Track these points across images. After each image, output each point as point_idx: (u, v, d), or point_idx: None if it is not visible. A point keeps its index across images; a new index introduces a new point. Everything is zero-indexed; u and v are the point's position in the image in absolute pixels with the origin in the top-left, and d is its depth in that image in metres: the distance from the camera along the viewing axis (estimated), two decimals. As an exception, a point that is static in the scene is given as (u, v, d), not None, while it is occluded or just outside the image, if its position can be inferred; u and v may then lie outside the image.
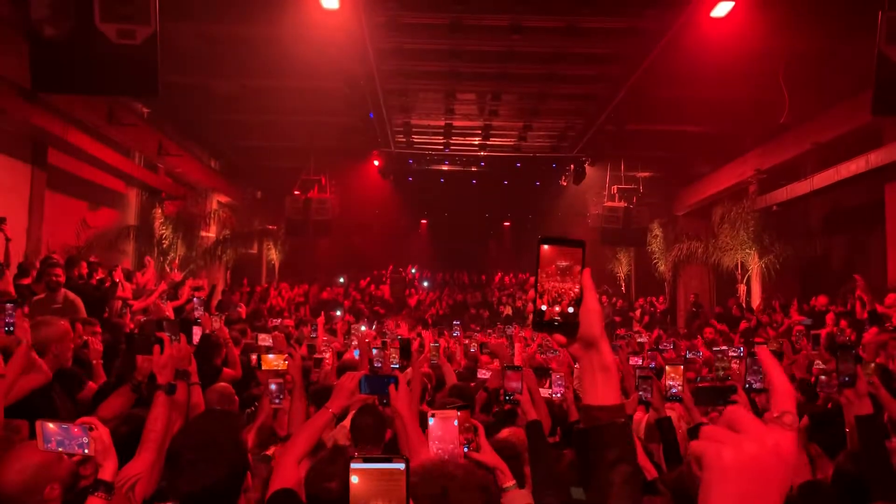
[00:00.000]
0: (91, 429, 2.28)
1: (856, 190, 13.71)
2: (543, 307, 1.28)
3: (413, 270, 25.20)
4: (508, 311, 21.09)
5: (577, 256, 1.30)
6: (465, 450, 2.41)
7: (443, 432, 2.18)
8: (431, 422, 2.19)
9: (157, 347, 3.02)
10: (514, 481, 2.56)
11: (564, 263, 1.30)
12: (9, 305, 3.56)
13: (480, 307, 21.56)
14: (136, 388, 3.59)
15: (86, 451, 2.28)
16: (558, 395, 4.09)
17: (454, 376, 5.92)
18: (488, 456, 2.51)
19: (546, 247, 1.31)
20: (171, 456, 2.18)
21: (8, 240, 7.98)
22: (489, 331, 16.09)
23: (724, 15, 9.47)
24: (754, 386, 3.22)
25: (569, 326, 1.27)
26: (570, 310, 1.28)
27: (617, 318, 19.57)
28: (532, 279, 1.33)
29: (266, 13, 10.39)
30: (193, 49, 11.90)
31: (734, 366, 5.43)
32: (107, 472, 2.31)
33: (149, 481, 2.72)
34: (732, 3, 9.19)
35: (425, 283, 24.43)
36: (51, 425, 2.27)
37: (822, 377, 3.80)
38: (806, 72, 11.91)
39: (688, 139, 16.88)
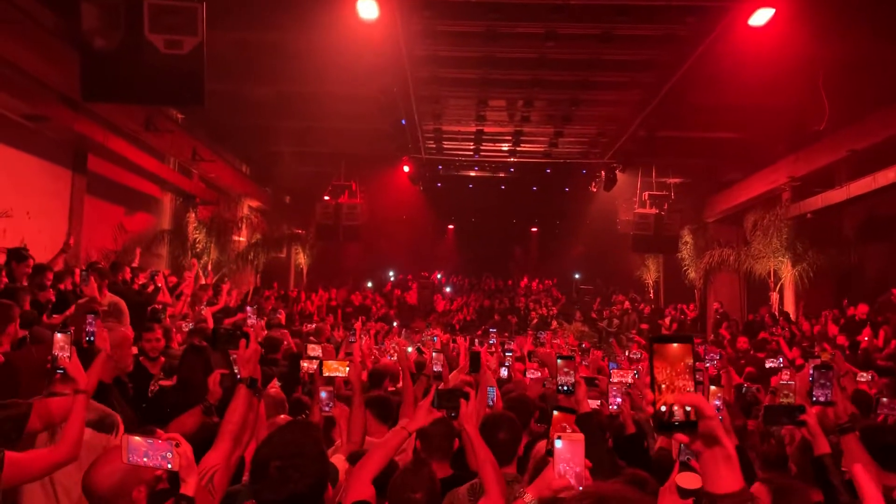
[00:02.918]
0: (177, 445, 2.34)
1: (893, 198, 13.52)
2: (663, 408, 1.36)
3: (439, 276, 25.27)
4: (535, 317, 21.05)
5: (686, 351, 1.37)
6: None
7: (571, 455, 2.20)
8: (559, 444, 2.21)
9: (242, 342, 3.07)
10: None
11: (678, 365, 1.38)
12: (89, 316, 3.66)
13: (508, 313, 21.53)
14: (207, 410, 3.65)
15: (169, 465, 2.33)
16: (614, 406, 4.08)
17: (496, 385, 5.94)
18: None
19: (657, 345, 1.39)
20: (257, 465, 2.22)
21: (63, 251, 8.22)
22: (520, 338, 16.09)
23: (763, 23, 9.39)
24: (820, 400, 3.22)
25: (689, 426, 1.35)
26: (688, 409, 1.35)
27: (644, 326, 19.48)
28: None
29: (302, 21, 10.51)
30: (228, 56, 12.03)
31: (783, 377, 5.37)
32: (189, 488, 2.36)
33: (227, 472, 2.77)
34: (773, 11, 9.10)
35: (447, 290, 24.45)
36: (137, 438, 2.32)
37: (884, 399, 3.75)
38: (843, 79, 11.79)
39: (720, 145, 16.77)
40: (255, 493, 2.21)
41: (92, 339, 3.71)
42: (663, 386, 1.36)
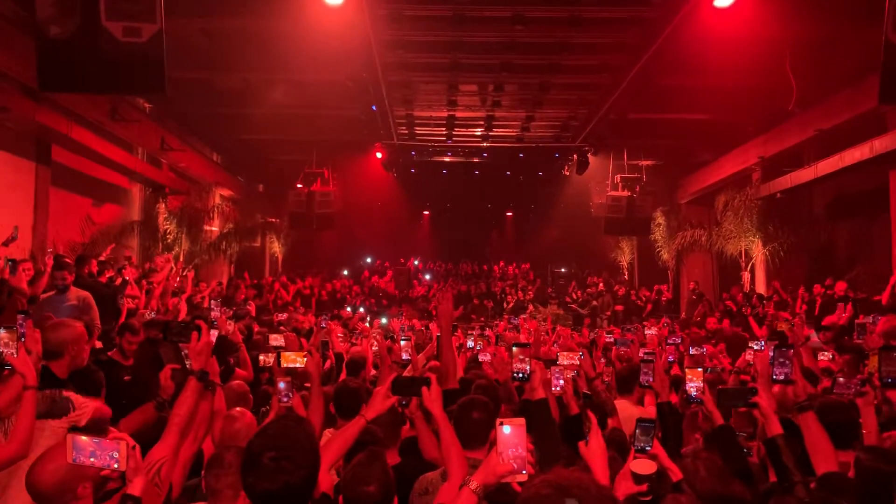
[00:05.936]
0: (128, 445, 2.31)
1: (860, 177, 13.72)
2: None
3: (416, 262, 25.22)
4: (511, 301, 21.08)
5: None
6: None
7: (515, 440, 2.18)
8: (506, 430, 2.18)
9: (194, 334, 3.05)
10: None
11: None
12: (19, 316, 3.63)
13: (484, 298, 21.55)
14: (159, 406, 3.62)
15: (116, 465, 2.30)
16: (557, 388, 4.09)
17: (461, 371, 5.93)
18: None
19: None
20: (250, 456, 2.19)
21: (12, 238, 8.05)
22: (495, 322, 16.15)
23: (728, 4, 9.42)
24: (780, 378, 3.26)
25: None
26: None
27: (618, 307, 19.60)
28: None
29: (268, 7, 10.36)
30: (195, 44, 11.85)
31: (748, 357, 5.41)
32: (136, 488, 2.35)
33: (174, 464, 2.76)
34: (737, -8, 9.14)
35: (427, 277, 24.42)
36: (83, 438, 2.28)
37: (841, 379, 3.76)
38: (808, 59, 11.88)
39: (690, 127, 16.87)
40: (247, 485, 2.17)
41: (22, 339, 3.63)
42: None
